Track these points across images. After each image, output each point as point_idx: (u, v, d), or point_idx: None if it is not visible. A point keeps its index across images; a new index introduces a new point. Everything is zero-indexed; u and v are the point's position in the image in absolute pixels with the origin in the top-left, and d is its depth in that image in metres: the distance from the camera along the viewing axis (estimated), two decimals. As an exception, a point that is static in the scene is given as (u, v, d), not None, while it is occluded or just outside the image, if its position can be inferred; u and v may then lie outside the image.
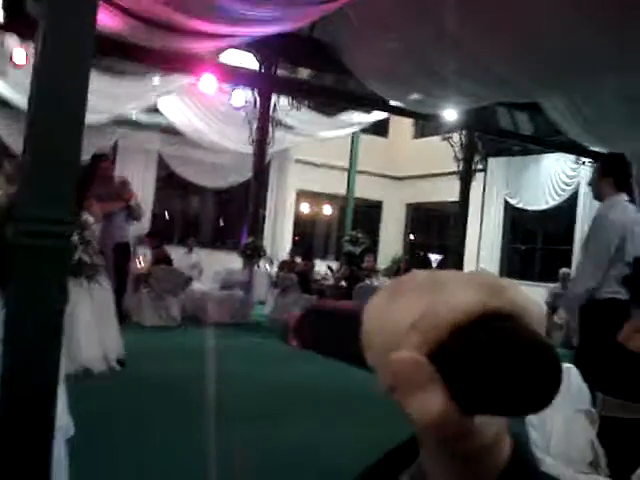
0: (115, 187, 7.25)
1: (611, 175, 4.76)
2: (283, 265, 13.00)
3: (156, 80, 14.07)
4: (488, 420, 0.44)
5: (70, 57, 2.54)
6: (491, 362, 0.40)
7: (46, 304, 2.44)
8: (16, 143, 15.67)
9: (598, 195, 4.87)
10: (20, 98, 13.40)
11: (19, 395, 2.51)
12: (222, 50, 11.30)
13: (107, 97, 14.23)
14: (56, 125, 2.44)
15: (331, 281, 12.73)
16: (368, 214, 20.46)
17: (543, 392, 0.41)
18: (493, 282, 0.44)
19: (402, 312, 0.45)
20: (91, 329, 6.02)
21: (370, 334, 0.47)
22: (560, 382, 0.41)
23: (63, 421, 2.84)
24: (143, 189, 16.80)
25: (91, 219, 4.44)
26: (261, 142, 12.35)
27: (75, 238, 2.68)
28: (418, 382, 0.43)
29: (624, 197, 4.76)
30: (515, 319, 0.43)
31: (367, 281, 12.52)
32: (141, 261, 11.27)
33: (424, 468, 0.49)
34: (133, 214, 7.27)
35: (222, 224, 19.62)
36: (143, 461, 4.28)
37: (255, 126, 12.41)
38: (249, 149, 13.00)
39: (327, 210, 20.51)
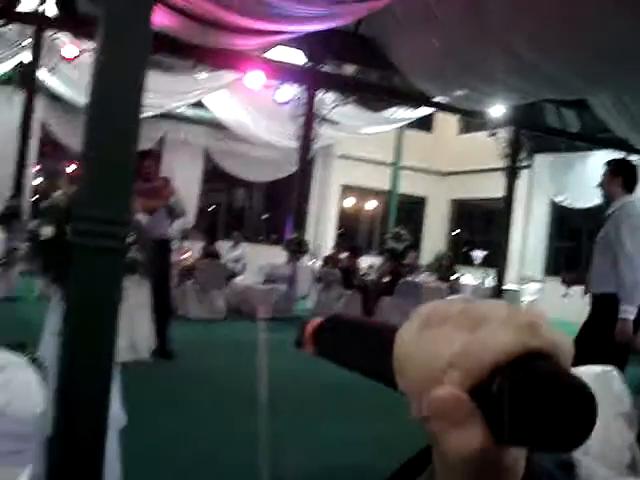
0: (157, 184, 7.38)
1: (621, 174, 4.93)
2: (327, 260, 13.06)
3: (204, 76, 14.25)
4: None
5: (127, 59, 2.63)
6: (531, 402, 0.42)
7: (102, 301, 2.56)
8: (65, 134, 16.04)
9: (608, 195, 5.00)
10: (69, 91, 13.72)
11: (75, 387, 2.62)
12: (269, 47, 11.40)
13: (155, 92, 14.45)
14: (113, 127, 2.55)
15: (373, 277, 12.77)
16: (412, 210, 20.43)
17: (580, 431, 0.43)
18: (531, 321, 0.46)
19: (438, 344, 0.46)
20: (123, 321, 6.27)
21: (403, 361, 0.48)
22: (595, 421, 0.43)
23: (116, 412, 2.96)
24: (189, 183, 17.04)
25: (143, 218, 4.56)
26: (306, 137, 12.42)
27: (130, 237, 2.77)
28: (459, 418, 0.44)
29: (633, 197, 4.92)
30: (552, 358, 0.45)
31: (409, 277, 12.54)
32: (186, 255, 11.46)
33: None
34: (173, 213, 7.37)
35: (266, 218, 19.77)
36: (189, 452, 4.40)
37: (300, 122, 12.48)
38: (294, 144, 13.09)
39: (371, 205, 20.53)
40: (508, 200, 14.23)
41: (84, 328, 2.55)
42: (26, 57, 11.60)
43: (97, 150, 2.57)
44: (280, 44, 11.11)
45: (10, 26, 11.08)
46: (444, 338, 0.46)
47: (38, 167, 16.58)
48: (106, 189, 2.54)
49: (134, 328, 6.97)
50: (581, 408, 0.43)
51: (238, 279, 12.65)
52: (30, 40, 11.18)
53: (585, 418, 0.43)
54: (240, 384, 5.64)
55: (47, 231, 2.86)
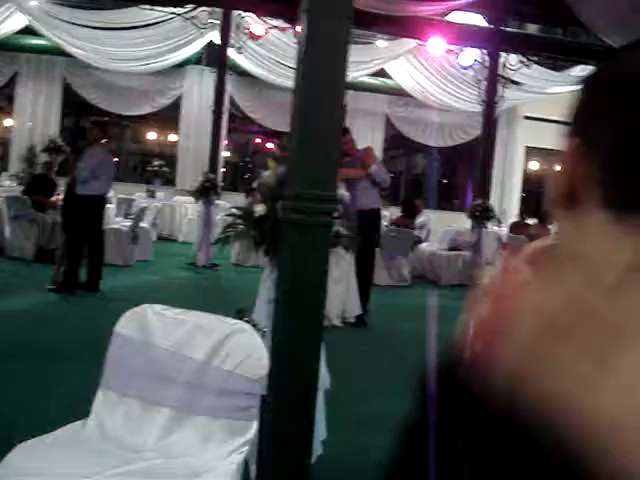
0: (357, 155, 7.57)
1: None
2: (513, 227, 12.84)
3: (383, 44, 14.34)
4: None
5: (329, 46, 2.79)
6: None
7: (310, 273, 2.76)
8: (254, 109, 16.75)
9: None
10: (255, 68, 14.26)
11: (288, 349, 2.85)
12: (450, 11, 11.28)
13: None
14: (319, 110, 2.72)
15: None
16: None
17: None
18: None
19: None
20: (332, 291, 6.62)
21: None
22: None
23: (322, 374, 3.18)
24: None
25: (347, 194, 4.72)
26: (490, 101, 12.21)
27: (335, 212, 2.94)
28: None
29: None
30: None
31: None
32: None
33: None
34: (374, 181, 7.50)
35: (447, 184, 19.65)
36: (382, 407, 4.59)
37: (484, 85, 12.28)
38: (477, 107, 12.92)
39: (557, 168, 19.78)
40: None
41: (294, 297, 2.77)
42: (215, 37, 12.19)
43: (306, 132, 2.75)
44: (459, 9, 10.96)
45: (200, 8, 11.68)
46: None
47: (226, 141, 17.40)
48: (313, 169, 2.72)
49: (344, 299, 7.30)
50: None
51: (423, 246, 12.73)
52: (219, 20, 11.72)
53: None
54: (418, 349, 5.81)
55: (260, 209, 3.09)
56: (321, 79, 2.70)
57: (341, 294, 7.30)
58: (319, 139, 2.71)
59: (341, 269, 7.15)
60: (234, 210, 3.40)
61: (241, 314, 2.72)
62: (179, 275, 10.23)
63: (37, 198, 10.40)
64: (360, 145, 8.02)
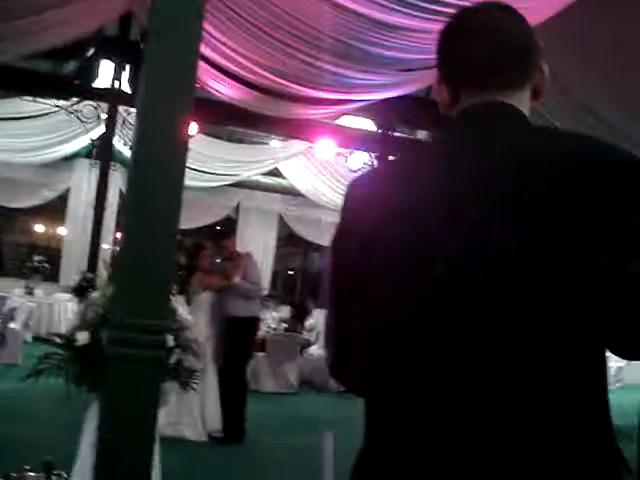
0: (230, 261, 7.37)
1: None
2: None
3: (276, 145, 14.39)
4: None
5: (167, 155, 2.52)
6: None
7: (138, 411, 2.39)
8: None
9: None
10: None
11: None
12: (339, 115, 11.37)
13: (229, 162, 14.66)
14: (150, 229, 2.41)
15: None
16: None
17: None
18: None
19: None
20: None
21: None
22: None
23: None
24: (264, 249, 17.08)
25: (190, 318, 4.44)
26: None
27: (171, 340, 2.63)
28: None
29: None
30: None
31: None
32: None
33: None
34: (240, 293, 7.27)
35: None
36: None
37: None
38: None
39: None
40: None
41: (117, 446, 2.38)
42: (101, 131, 11.90)
43: (133, 250, 2.43)
44: (348, 113, 11.06)
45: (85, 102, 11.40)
46: None
47: (119, 235, 16.88)
48: (142, 293, 2.39)
49: (203, 408, 6.93)
50: None
51: (312, 349, 12.42)
52: (105, 115, 11.46)
53: None
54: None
55: (82, 337, 2.73)
56: (151, 194, 2.41)
57: (213, 407, 6.98)
58: (149, 259, 2.39)
59: (210, 383, 6.90)
60: (53, 337, 3.02)
61: (49, 467, 2.31)
62: (45, 382, 9.47)
63: None
64: (254, 244, 7.84)
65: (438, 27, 4.82)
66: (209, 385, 7.06)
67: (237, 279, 7.24)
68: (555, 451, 1.13)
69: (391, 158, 1.86)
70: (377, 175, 1.56)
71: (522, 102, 1.38)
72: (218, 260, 7.55)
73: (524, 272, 1.16)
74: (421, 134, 13.98)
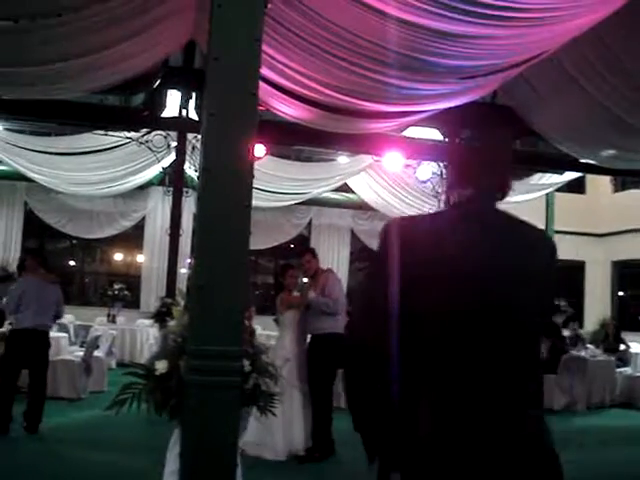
0: (312, 279, 7.41)
1: None
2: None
3: (344, 161, 14.41)
4: None
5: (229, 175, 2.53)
6: None
7: (218, 437, 2.40)
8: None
9: None
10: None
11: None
12: (404, 127, 11.32)
13: (298, 181, 14.75)
14: (221, 259, 2.43)
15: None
16: (570, 275, 19.45)
17: None
18: None
19: None
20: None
21: None
22: None
23: None
24: (337, 264, 17.09)
25: (264, 345, 4.46)
26: (451, 213, 12.12)
27: (248, 365, 2.64)
28: None
29: None
30: None
31: (573, 351, 11.77)
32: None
33: None
34: (316, 309, 7.22)
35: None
36: None
37: (443, 197, 12.20)
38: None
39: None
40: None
41: (201, 469, 2.39)
42: (172, 159, 12.13)
43: (206, 279, 2.45)
44: (414, 125, 10.99)
45: (154, 132, 11.66)
46: None
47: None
48: (216, 319, 2.40)
49: (288, 428, 6.94)
50: None
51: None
52: (174, 143, 11.70)
53: None
54: None
55: (161, 366, 2.76)
56: (219, 229, 2.43)
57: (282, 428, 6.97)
58: (221, 284, 2.41)
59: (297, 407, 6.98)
60: (134, 368, 3.06)
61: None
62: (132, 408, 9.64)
63: (-10, 330, 9.93)
64: (327, 260, 7.82)
65: (498, 32, 4.72)
66: (294, 404, 7.04)
67: (311, 294, 7.22)
68: (524, 409, 1.89)
69: (425, 214, 2.39)
70: (427, 222, 2.18)
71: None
72: (305, 279, 7.56)
73: (525, 308, 1.98)
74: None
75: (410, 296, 1.87)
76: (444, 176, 12.14)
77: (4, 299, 7.87)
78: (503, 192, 2.23)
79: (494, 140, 2.31)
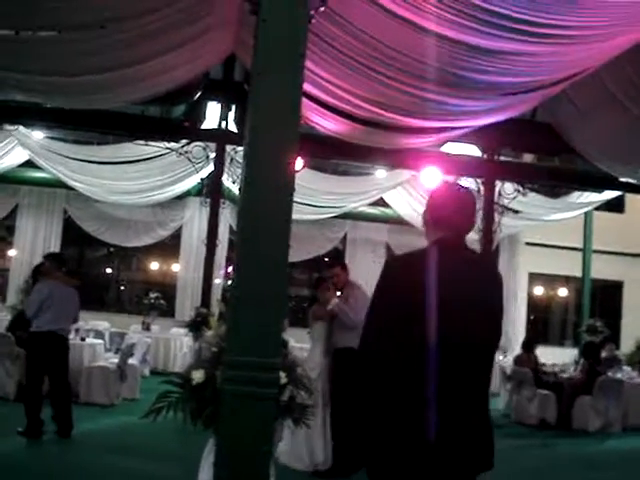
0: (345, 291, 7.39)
1: None
2: (518, 359, 12.22)
3: (381, 175, 14.41)
4: None
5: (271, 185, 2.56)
6: None
7: (253, 448, 2.42)
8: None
9: None
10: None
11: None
12: (443, 143, 11.30)
13: (334, 195, 14.78)
14: (260, 271, 2.45)
15: (568, 373, 11.83)
16: (607, 295, 19.20)
17: None
18: None
19: None
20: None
21: None
22: None
23: None
24: (372, 279, 17.03)
25: (296, 357, 4.46)
26: (487, 229, 12.06)
27: (284, 377, 2.65)
28: None
29: None
30: None
31: (609, 373, 11.59)
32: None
33: None
34: (339, 322, 7.16)
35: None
36: None
37: (481, 214, 12.14)
38: (476, 236, 12.74)
39: (562, 293, 19.60)
40: None
41: (235, 476, 2.41)
42: (210, 170, 12.24)
43: (244, 290, 2.48)
44: (452, 141, 10.96)
45: (194, 143, 11.81)
46: None
47: (230, 269, 17.21)
48: (254, 331, 2.43)
49: (309, 441, 6.90)
50: None
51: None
52: (213, 155, 11.82)
53: None
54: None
55: (198, 376, 2.80)
56: (261, 238, 2.46)
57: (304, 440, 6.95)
58: (260, 295, 2.43)
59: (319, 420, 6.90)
60: (171, 377, 3.09)
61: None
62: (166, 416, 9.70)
63: (21, 334, 10.03)
64: (361, 274, 7.75)
65: (538, 49, 4.70)
66: (316, 418, 6.97)
67: (334, 301, 7.16)
68: (479, 413, 2.54)
69: (415, 251, 2.74)
70: (417, 260, 2.62)
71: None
72: (338, 292, 7.49)
73: (485, 329, 2.56)
74: (527, 157, 13.70)
75: (405, 326, 2.45)
76: (480, 193, 12.09)
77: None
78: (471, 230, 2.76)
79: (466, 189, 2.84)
